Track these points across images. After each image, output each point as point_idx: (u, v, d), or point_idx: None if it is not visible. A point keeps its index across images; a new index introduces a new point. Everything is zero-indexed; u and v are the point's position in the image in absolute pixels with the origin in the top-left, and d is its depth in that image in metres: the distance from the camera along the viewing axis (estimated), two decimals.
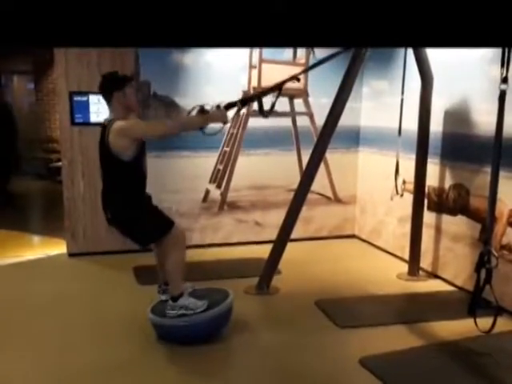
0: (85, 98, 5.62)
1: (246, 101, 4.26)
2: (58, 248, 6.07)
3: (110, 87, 3.62)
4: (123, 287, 4.94)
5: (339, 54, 4.58)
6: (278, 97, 4.38)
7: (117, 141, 3.52)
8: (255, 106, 6.04)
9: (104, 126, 3.63)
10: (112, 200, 3.72)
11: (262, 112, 4.30)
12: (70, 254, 5.83)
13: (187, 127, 4.04)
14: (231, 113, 4.06)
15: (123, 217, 3.71)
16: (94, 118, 5.67)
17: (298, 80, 4.49)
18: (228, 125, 6.04)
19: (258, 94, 4.32)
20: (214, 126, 3.88)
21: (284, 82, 4.44)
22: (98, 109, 5.66)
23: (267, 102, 4.40)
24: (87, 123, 5.67)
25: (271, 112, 4.38)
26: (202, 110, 3.80)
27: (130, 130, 3.57)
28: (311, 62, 6.21)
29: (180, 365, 3.55)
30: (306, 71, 4.61)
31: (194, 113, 3.89)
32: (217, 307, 3.77)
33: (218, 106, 3.85)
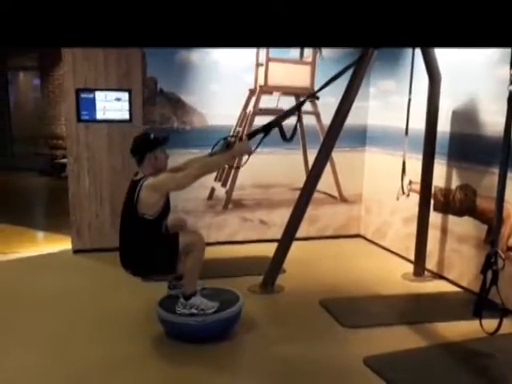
0: (91, 95, 5.63)
1: (268, 127, 4.22)
2: (62, 244, 6.08)
3: (141, 150, 3.67)
4: (127, 284, 4.92)
5: (351, 66, 4.58)
6: (298, 120, 4.39)
7: (149, 195, 3.54)
8: (261, 104, 6.11)
9: (134, 182, 3.65)
10: (133, 259, 3.72)
11: (284, 137, 4.31)
12: (75, 251, 5.85)
13: (214, 168, 4.18)
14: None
15: (145, 272, 3.83)
16: (100, 115, 5.68)
17: (317, 98, 4.49)
18: (234, 121, 6.07)
19: (278, 120, 4.30)
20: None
21: (303, 101, 4.46)
22: (105, 106, 5.67)
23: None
24: (93, 120, 5.68)
25: (293, 137, 4.43)
26: (227, 145, 3.85)
27: (164, 184, 3.60)
28: (318, 60, 6.23)
29: (184, 362, 3.55)
30: (324, 87, 4.48)
31: (218, 147, 3.94)
32: (227, 310, 3.78)
33: (241, 138, 3.92)
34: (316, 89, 6.21)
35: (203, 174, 3.82)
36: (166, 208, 3.71)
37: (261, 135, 4.16)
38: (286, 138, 4.32)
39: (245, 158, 3.91)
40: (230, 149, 3.83)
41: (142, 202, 3.55)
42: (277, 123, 4.28)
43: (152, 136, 3.74)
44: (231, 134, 3.90)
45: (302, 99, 4.53)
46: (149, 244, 3.63)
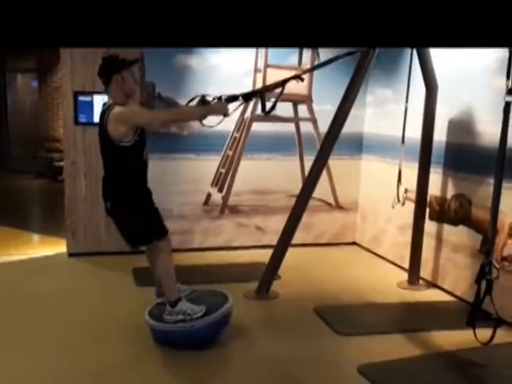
0: (89, 98, 5.63)
1: (248, 95, 4.17)
2: (57, 247, 6.06)
3: (108, 70, 3.56)
4: (121, 288, 4.93)
5: (344, 56, 4.55)
6: (280, 94, 4.32)
7: (116, 127, 3.45)
8: (260, 109, 6.11)
9: (103, 111, 3.58)
10: (112, 188, 3.67)
11: (263, 109, 4.27)
12: (70, 254, 5.83)
13: (187, 117, 3.99)
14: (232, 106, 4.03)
15: (122, 206, 3.64)
16: (97, 119, 5.66)
17: (302, 80, 4.43)
18: (232, 127, 6.08)
19: (260, 90, 4.27)
20: (213, 118, 3.85)
21: (288, 79, 4.40)
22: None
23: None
24: (91, 123, 5.67)
25: (273, 109, 4.32)
26: (204, 101, 3.78)
27: (130, 117, 3.51)
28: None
29: (176, 369, 3.54)
30: (311, 70, 4.51)
31: (194, 102, 3.86)
32: (215, 313, 3.71)
33: (220, 98, 3.82)
34: (313, 94, 6.30)
35: (174, 120, 3.67)
36: (141, 138, 3.59)
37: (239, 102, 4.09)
38: (265, 111, 4.28)
39: (219, 118, 3.84)
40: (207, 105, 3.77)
41: (111, 132, 3.47)
42: (259, 93, 4.25)
43: (120, 57, 3.59)
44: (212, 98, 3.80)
45: (288, 78, 4.48)
46: (129, 175, 3.58)
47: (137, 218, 3.64)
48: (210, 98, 3.81)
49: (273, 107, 4.29)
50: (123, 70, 3.55)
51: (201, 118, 3.78)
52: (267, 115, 4.36)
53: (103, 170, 3.72)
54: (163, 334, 3.76)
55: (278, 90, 4.35)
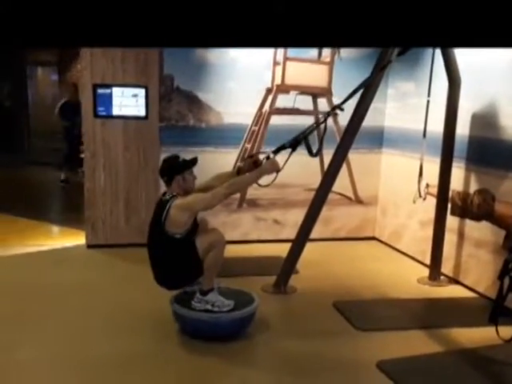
0: (108, 91, 5.64)
1: (295, 143, 4.17)
2: (77, 239, 6.10)
3: (170, 172, 3.72)
4: (140, 280, 4.92)
5: (377, 76, 4.52)
6: (324, 134, 4.34)
7: (178, 214, 3.57)
8: (278, 103, 6.08)
9: (162, 201, 3.68)
10: (165, 277, 3.80)
11: (310, 152, 4.28)
12: (89, 246, 5.87)
13: (242, 187, 4.14)
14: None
15: (182, 284, 3.86)
16: (116, 111, 5.69)
17: (342, 110, 4.40)
18: (250, 120, 6.05)
19: (305, 136, 4.26)
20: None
21: (328, 115, 4.40)
22: (121, 102, 5.68)
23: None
24: (110, 116, 5.69)
25: (319, 152, 4.40)
26: (255, 162, 3.91)
27: (193, 205, 3.63)
28: (336, 60, 6.18)
29: (195, 360, 3.54)
30: (349, 98, 4.38)
31: (244, 163, 4.00)
32: (243, 309, 3.78)
33: (268, 157, 3.95)
34: (333, 89, 6.24)
35: (231, 194, 3.86)
36: (194, 227, 3.75)
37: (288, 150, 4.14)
38: (313, 153, 4.30)
39: (273, 175, 3.90)
40: (258, 167, 3.88)
41: (171, 222, 3.59)
42: (302, 140, 4.24)
43: (181, 159, 3.78)
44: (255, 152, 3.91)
45: (327, 112, 4.47)
46: (177, 262, 3.69)
47: (192, 275, 3.80)
48: (260, 157, 3.96)
49: (319, 149, 4.37)
50: (185, 171, 3.70)
51: (255, 182, 3.89)
52: (315, 157, 4.43)
53: (150, 259, 3.80)
54: (188, 320, 3.80)
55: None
